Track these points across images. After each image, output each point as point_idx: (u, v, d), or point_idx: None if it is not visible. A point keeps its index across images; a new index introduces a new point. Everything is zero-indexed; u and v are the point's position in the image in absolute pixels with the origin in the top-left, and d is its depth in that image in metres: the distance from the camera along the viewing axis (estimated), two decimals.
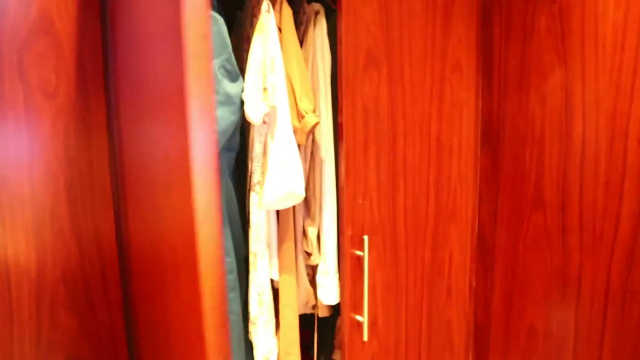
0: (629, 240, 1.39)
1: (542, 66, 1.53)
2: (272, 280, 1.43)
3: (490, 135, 1.65)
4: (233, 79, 1.35)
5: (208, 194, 0.82)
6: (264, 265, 1.37)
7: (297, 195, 1.36)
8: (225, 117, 1.32)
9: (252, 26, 1.39)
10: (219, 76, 1.32)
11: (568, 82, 1.48)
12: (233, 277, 1.35)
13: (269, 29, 1.35)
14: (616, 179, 1.40)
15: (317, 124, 1.37)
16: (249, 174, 1.40)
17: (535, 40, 1.54)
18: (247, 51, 1.37)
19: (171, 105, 1.02)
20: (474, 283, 1.70)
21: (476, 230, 1.69)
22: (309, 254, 1.47)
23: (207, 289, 0.80)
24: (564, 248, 1.52)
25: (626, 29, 1.36)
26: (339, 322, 1.45)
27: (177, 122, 0.87)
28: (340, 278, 1.40)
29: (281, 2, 1.42)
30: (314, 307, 1.56)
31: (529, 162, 1.57)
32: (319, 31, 1.47)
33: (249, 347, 1.42)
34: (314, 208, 1.47)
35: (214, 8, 1.30)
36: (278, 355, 1.44)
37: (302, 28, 1.49)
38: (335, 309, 1.55)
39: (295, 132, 1.36)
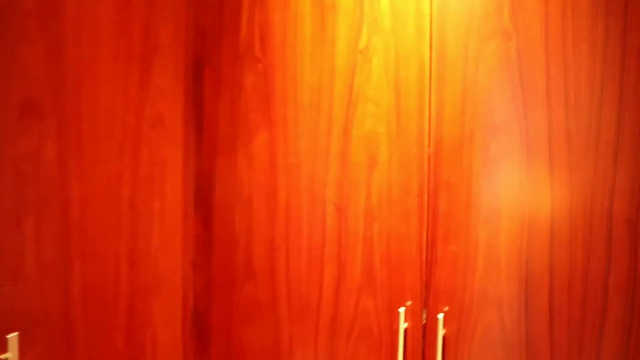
0: (331, 309, 1.34)
1: (249, 125, 1.44)
2: None
3: (203, 197, 1.50)
4: None
5: None
6: None
7: None
8: None
9: None
10: None
11: (272, 143, 1.41)
12: None
13: None
14: (317, 244, 1.35)
15: None
16: None
17: (243, 98, 1.46)
18: None
19: None
20: None
21: (190, 303, 1.51)
22: None
23: None
24: (275, 319, 1.42)
25: (321, 92, 1.35)
26: None
27: None
28: None
29: None
30: None
31: (238, 227, 1.45)
32: None
33: None
34: None
35: None
36: None
37: None
38: None
39: None
